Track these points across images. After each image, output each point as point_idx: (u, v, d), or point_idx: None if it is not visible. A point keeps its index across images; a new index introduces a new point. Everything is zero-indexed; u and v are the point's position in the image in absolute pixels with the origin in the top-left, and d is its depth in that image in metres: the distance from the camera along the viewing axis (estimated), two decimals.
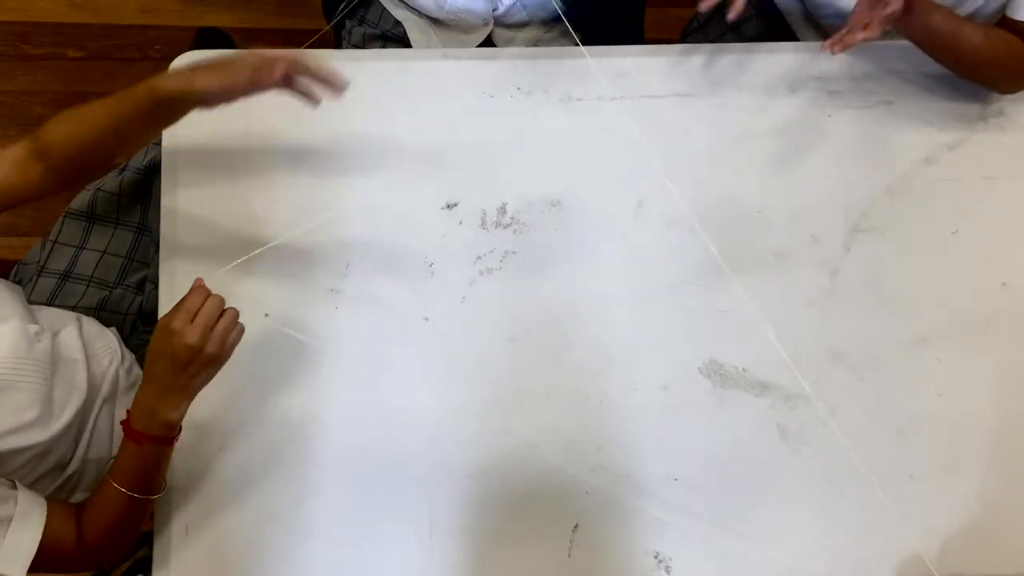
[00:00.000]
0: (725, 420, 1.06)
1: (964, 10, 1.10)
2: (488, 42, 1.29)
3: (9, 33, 1.96)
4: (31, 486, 0.96)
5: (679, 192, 1.10)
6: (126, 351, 1.16)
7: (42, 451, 0.96)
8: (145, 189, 1.25)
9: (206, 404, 0.99)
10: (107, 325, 1.15)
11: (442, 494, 1.03)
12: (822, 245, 1.11)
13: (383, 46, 1.33)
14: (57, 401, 0.98)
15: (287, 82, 0.87)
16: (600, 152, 1.11)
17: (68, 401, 1.00)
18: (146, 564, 1.20)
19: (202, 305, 0.85)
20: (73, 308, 1.15)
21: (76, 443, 1.02)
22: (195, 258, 1.07)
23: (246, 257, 0.99)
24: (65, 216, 1.24)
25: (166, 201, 1.07)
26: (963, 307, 1.11)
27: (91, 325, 1.11)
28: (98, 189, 1.23)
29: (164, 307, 1.05)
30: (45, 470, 0.98)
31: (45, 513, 0.90)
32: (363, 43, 1.34)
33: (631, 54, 1.15)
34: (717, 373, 1.07)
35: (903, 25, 1.01)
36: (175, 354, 0.84)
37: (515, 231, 1.09)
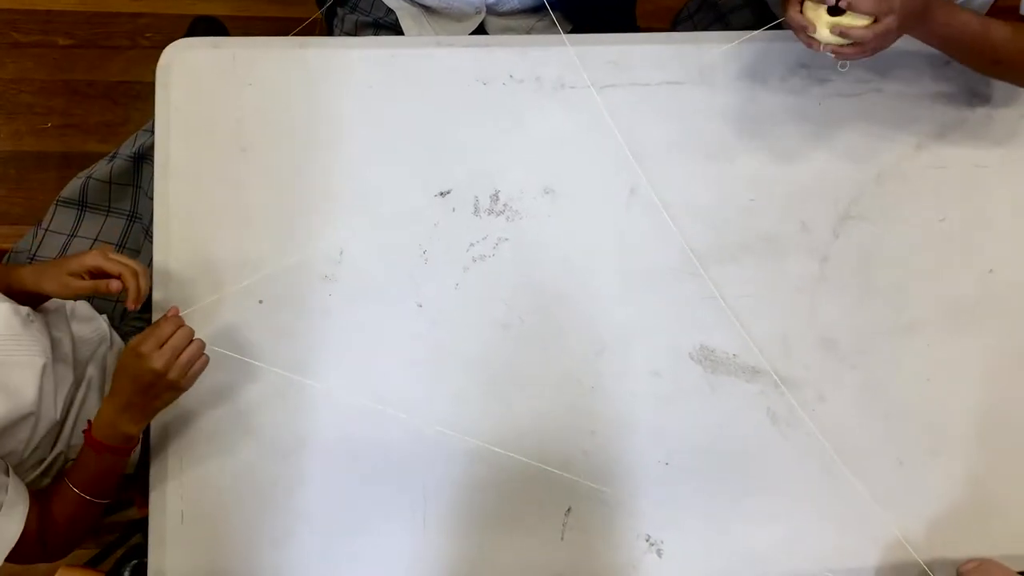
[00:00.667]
0: (716, 405, 1.07)
1: None
2: (481, 30, 1.29)
3: None
4: (21, 464, 0.97)
5: (669, 180, 1.11)
6: (116, 336, 1.16)
7: (33, 426, 0.97)
8: (136, 176, 1.25)
9: (199, 393, 1.00)
10: (99, 312, 1.15)
11: (435, 480, 1.04)
12: (812, 232, 1.12)
13: (375, 33, 1.33)
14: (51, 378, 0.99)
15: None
16: (592, 140, 1.12)
17: (60, 380, 1.01)
18: (140, 550, 1.21)
19: (172, 334, 0.90)
20: None
21: (63, 424, 1.03)
22: (186, 244, 1.06)
23: (242, 284, 1.00)
24: (57, 204, 1.24)
25: (159, 187, 1.07)
26: (951, 294, 1.12)
27: (83, 309, 1.12)
28: (89, 177, 1.23)
29: (156, 292, 1.05)
30: (35, 445, 0.99)
31: (28, 506, 0.92)
32: (355, 31, 1.34)
33: (623, 42, 1.15)
34: (708, 359, 1.08)
35: (918, 36, 0.99)
36: (139, 375, 0.89)
37: (508, 218, 1.10)
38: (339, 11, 1.35)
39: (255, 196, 1.08)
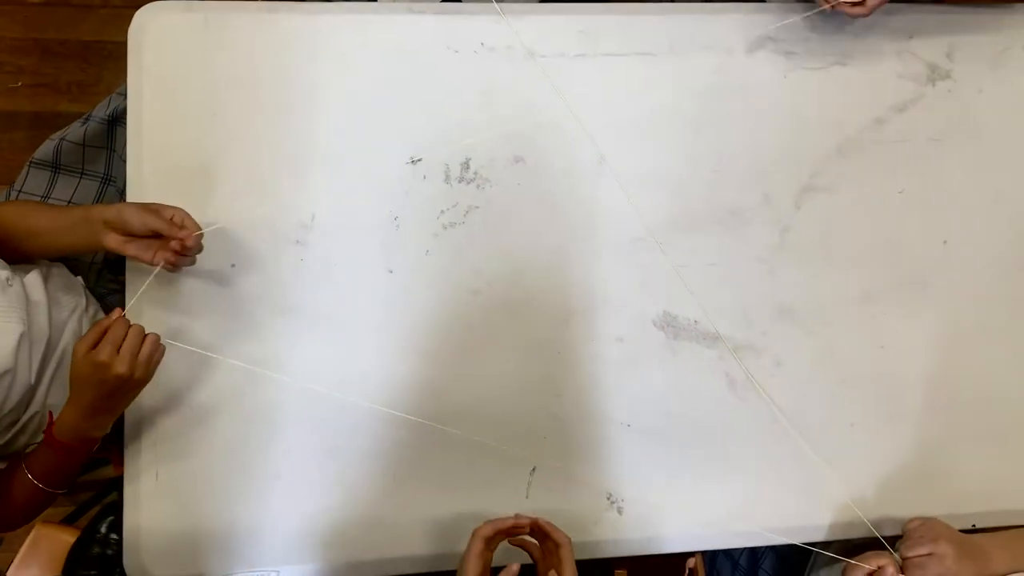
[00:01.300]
0: (677, 370, 1.11)
1: None
2: None
3: None
4: None
5: (636, 151, 1.13)
6: (91, 298, 1.17)
7: (8, 387, 0.98)
8: (109, 139, 1.25)
9: (174, 358, 1.02)
10: (74, 273, 1.16)
11: (406, 440, 1.07)
12: (774, 204, 1.15)
13: None
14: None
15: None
16: (562, 109, 1.13)
17: (35, 343, 1.02)
18: (115, 508, 1.24)
19: (125, 335, 0.90)
20: None
21: (36, 386, 1.04)
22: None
23: (204, 230, 1.01)
24: (29, 165, 1.24)
25: (131, 150, 1.08)
26: (906, 264, 1.16)
27: (60, 273, 1.12)
28: (62, 139, 1.23)
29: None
30: (10, 407, 1.00)
31: None
32: None
33: (593, 12, 1.16)
34: (670, 325, 1.11)
35: None
36: (104, 382, 0.89)
37: (478, 186, 1.12)
38: None
39: (227, 160, 1.09)
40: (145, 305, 1.04)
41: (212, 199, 1.08)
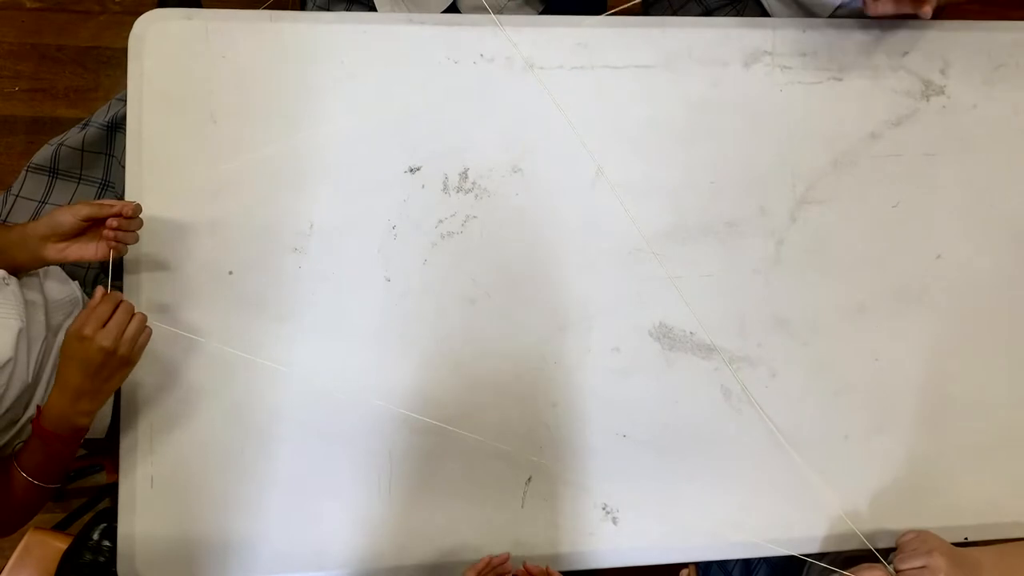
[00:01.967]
0: (673, 381, 1.11)
1: None
2: (453, 8, 1.30)
3: None
4: None
5: (633, 162, 1.14)
6: (87, 300, 1.17)
7: (6, 384, 0.98)
8: (108, 145, 1.25)
9: (168, 360, 1.02)
10: (71, 277, 1.16)
11: (401, 448, 1.07)
12: (770, 216, 1.16)
13: (348, 9, 1.34)
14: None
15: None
16: (561, 120, 1.14)
17: (32, 342, 1.02)
18: (109, 514, 1.23)
19: (112, 311, 0.90)
20: None
21: (35, 387, 1.04)
22: (159, 211, 1.08)
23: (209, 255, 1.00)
24: (27, 170, 1.24)
25: (131, 156, 1.08)
26: (900, 277, 1.17)
27: (56, 275, 1.12)
28: (60, 144, 1.23)
29: (129, 258, 1.06)
30: (8, 407, 1.00)
31: None
32: (328, 5, 1.34)
33: (592, 24, 1.17)
34: (666, 336, 1.12)
35: None
36: (88, 358, 0.89)
37: (476, 196, 1.12)
38: None
39: (226, 167, 1.09)
40: (143, 309, 1.04)
41: (211, 206, 1.08)
